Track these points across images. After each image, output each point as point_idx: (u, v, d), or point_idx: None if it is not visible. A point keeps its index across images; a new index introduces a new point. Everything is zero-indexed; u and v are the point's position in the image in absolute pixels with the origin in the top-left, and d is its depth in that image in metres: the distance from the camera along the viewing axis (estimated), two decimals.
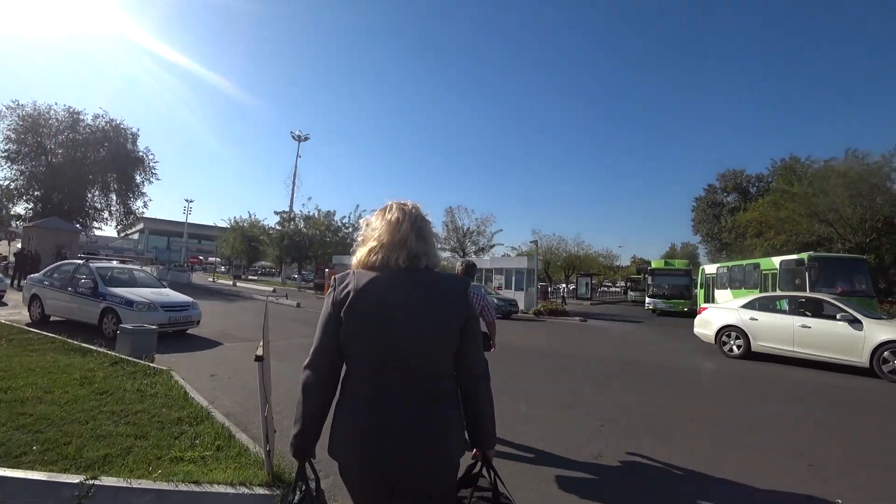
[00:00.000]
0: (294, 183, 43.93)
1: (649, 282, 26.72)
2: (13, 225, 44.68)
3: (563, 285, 49.37)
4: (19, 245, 30.79)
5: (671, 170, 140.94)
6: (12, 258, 23.71)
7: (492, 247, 36.93)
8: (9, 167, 40.41)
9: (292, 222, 40.79)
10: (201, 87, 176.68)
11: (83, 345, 7.37)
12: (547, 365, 9.41)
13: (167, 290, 10.80)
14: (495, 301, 18.07)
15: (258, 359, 3.03)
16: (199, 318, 10.39)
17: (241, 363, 7.58)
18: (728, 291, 19.09)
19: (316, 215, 40.13)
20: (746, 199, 43.85)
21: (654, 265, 28.60)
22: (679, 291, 25.65)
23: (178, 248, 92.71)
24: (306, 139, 46.93)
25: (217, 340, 9.76)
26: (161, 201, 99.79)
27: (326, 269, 31.87)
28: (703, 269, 24.50)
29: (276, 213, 42.21)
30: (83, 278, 10.13)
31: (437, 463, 1.41)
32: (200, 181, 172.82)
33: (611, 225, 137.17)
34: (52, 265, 11.70)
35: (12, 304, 13.47)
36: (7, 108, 39.66)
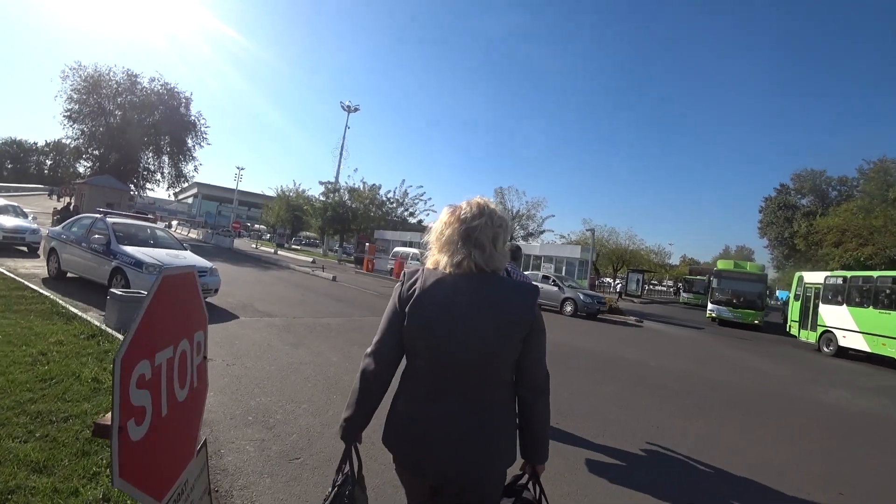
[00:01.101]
0: (341, 154, 43.10)
1: (714, 285, 22.78)
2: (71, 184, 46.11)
3: (612, 280, 46.81)
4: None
5: (731, 170, 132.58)
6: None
7: (542, 232, 34.84)
8: (70, 126, 41.48)
9: (336, 193, 39.96)
10: (253, 58, 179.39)
11: (71, 309, 6.34)
12: (626, 378, 7.75)
13: (186, 253, 9.73)
14: (581, 296, 16.76)
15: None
16: (218, 287, 9.28)
17: (248, 345, 6.32)
18: (844, 309, 14.55)
19: (361, 188, 39.12)
20: (825, 203, 40.09)
21: (720, 266, 24.41)
22: (751, 300, 21.90)
23: (229, 213, 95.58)
24: (356, 110, 45.93)
25: (234, 313, 8.61)
26: (215, 167, 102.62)
27: (367, 244, 30.90)
28: (799, 277, 18.88)
29: (320, 182, 41.47)
30: (97, 234, 9.20)
31: (482, 472, 1.39)
32: (252, 149, 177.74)
33: (661, 222, 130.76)
34: (73, 218, 10.88)
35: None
36: (70, 69, 40.40)
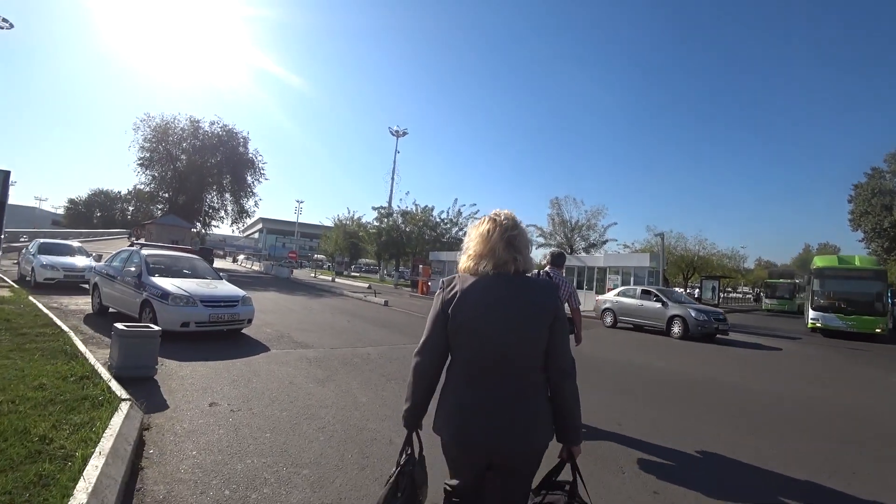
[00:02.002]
0: (393, 178, 43.13)
1: (816, 288, 18.54)
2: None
3: (683, 289, 43.44)
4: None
5: (800, 164, 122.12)
6: None
7: (604, 242, 32.66)
8: (144, 173, 44.51)
9: (390, 218, 39.83)
10: (304, 98, 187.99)
11: (78, 347, 5.75)
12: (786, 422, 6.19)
13: (219, 283, 9.17)
14: (692, 313, 13.70)
15: None
16: (251, 317, 8.56)
17: (267, 384, 5.42)
18: None
19: (414, 210, 38.76)
20: None
21: (821, 263, 19.75)
22: (867, 303, 17.49)
23: (292, 245, 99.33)
24: (404, 134, 46.04)
25: (266, 345, 7.85)
26: (278, 202, 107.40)
27: (420, 266, 30.21)
28: None
29: (373, 208, 41.57)
30: (132, 266, 8.85)
31: (525, 445, 1.57)
32: (310, 182, 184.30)
33: (730, 225, 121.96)
34: (115, 252, 10.72)
35: None
36: (141, 121, 43.56)
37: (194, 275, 9.37)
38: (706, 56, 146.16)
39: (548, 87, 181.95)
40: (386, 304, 17.28)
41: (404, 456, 1.73)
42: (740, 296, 65.63)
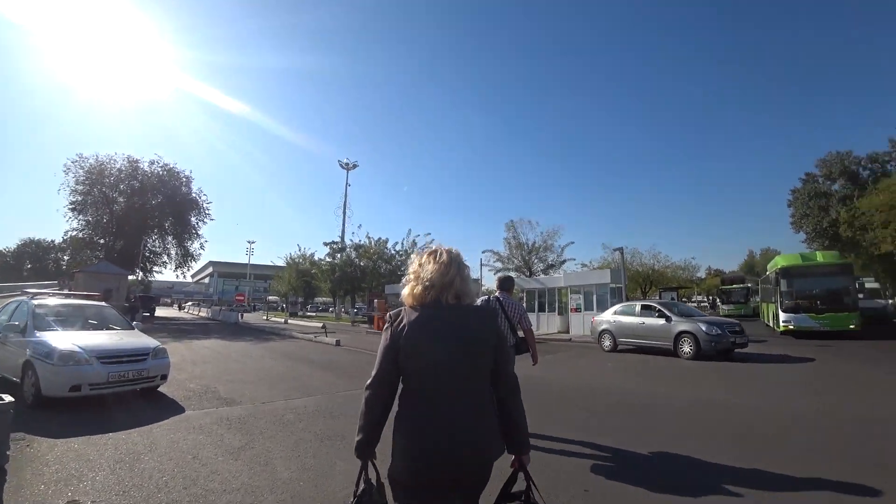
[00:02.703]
0: (344, 212, 41.89)
1: (783, 289, 17.60)
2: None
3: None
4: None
5: (738, 176, 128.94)
6: None
7: (562, 262, 32.45)
8: (76, 218, 41.42)
9: (343, 253, 38.44)
10: (247, 130, 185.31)
11: None
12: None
13: (128, 334, 7.79)
14: (703, 328, 11.72)
15: None
16: (165, 373, 7.22)
17: (160, 463, 4.22)
18: None
19: (367, 244, 37.58)
20: (857, 184, 37.83)
21: (784, 263, 18.84)
22: (838, 300, 16.81)
23: (245, 289, 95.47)
24: (355, 167, 45.12)
25: (181, 405, 6.58)
26: (229, 245, 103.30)
27: (375, 301, 29.00)
28: None
29: (325, 244, 39.87)
30: (17, 320, 7.41)
31: (484, 460, 1.68)
32: (261, 222, 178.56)
33: (679, 237, 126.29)
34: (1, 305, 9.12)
35: None
36: (72, 163, 40.64)
37: (100, 326, 7.98)
38: (646, 71, 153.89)
39: (496, 110, 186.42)
40: (338, 343, 15.96)
41: (360, 486, 1.74)
42: (695, 304, 67.37)
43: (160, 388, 7.40)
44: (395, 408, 1.72)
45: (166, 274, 51.50)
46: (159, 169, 43.31)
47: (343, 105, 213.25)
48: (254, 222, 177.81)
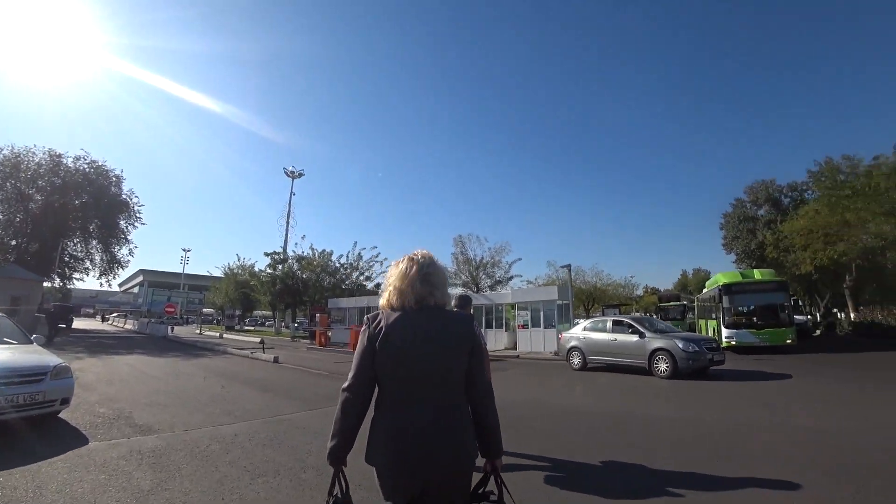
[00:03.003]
0: (288, 222, 40.35)
1: (725, 305, 18.03)
2: None
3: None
4: None
5: (669, 198, 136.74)
6: None
7: (510, 279, 32.60)
8: None
9: (285, 264, 36.86)
10: (191, 136, 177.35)
11: None
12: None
13: (24, 349, 6.73)
14: (679, 344, 11.20)
15: None
16: (68, 395, 6.24)
17: None
18: None
19: (311, 255, 36.26)
20: (779, 210, 41.20)
21: (725, 280, 19.29)
22: (775, 316, 17.56)
23: (178, 300, 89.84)
24: (300, 176, 43.82)
25: (87, 435, 5.67)
26: (163, 253, 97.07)
27: (317, 315, 27.85)
28: None
29: (266, 254, 38.06)
30: None
31: (460, 462, 1.70)
32: (200, 230, 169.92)
33: (621, 256, 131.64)
34: None
35: None
36: None
37: None
38: (589, 94, 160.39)
39: (441, 127, 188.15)
40: (276, 360, 14.93)
41: (334, 495, 1.74)
42: None
43: (61, 415, 6.41)
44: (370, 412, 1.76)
45: (89, 282, 47.68)
46: (86, 166, 39.96)
47: (294, 110, 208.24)
48: (191, 229, 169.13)
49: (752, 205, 45.02)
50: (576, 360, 13.57)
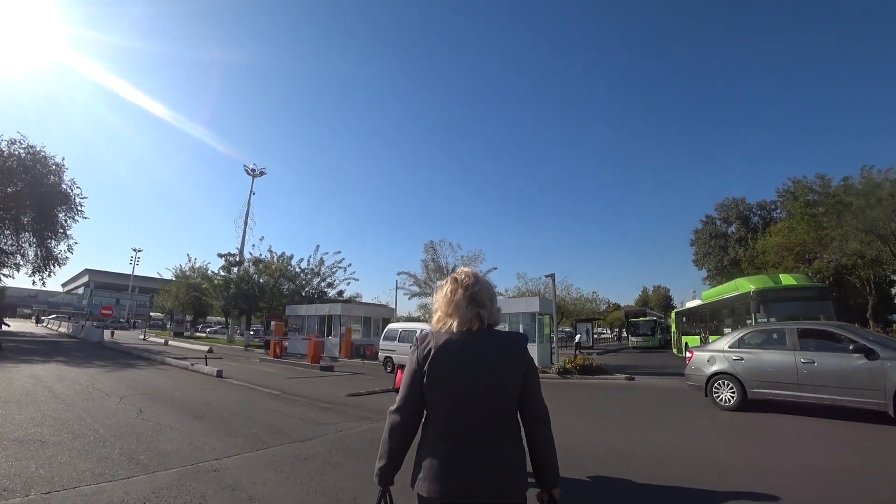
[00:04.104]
0: (246, 222, 37.63)
1: (761, 316, 15.16)
2: None
3: (558, 333, 43.84)
4: None
5: (637, 215, 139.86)
6: None
7: None
8: None
9: (240, 267, 34.12)
10: (143, 122, 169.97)
11: None
12: None
13: None
14: None
15: None
16: None
17: None
18: None
19: (269, 258, 33.68)
20: (748, 227, 41.57)
21: (756, 285, 16.37)
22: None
23: (127, 303, 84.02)
24: (262, 174, 41.26)
25: None
26: (112, 253, 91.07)
27: (273, 322, 25.49)
28: None
29: (219, 255, 35.08)
30: None
31: (512, 494, 1.57)
32: (152, 229, 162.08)
33: (581, 271, 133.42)
34: None
35: None
36: None
37: None
38: (560, 110, 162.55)
39: (413, 130, 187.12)
40: (219, 375, 12.68)
41: None
42: (603, 336, 69.47)
43: None
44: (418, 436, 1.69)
45: (20, 279, 43.29)
46: (21, 151, 36.10)
47: (256, 107, 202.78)
48: (142, 228, 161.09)
49: (723, 222, 45.53)
50: (725, 394, 8.74)
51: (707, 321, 20.75)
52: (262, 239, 61.12)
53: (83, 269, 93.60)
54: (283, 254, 33.77)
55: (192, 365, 14.52)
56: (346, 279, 33.56)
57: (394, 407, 1.68)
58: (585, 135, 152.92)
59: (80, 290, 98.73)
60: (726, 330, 16.56)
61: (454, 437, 1.58)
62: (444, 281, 1.79)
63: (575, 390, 12.34)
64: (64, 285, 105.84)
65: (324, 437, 6.33)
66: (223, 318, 44.67)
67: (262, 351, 24.55)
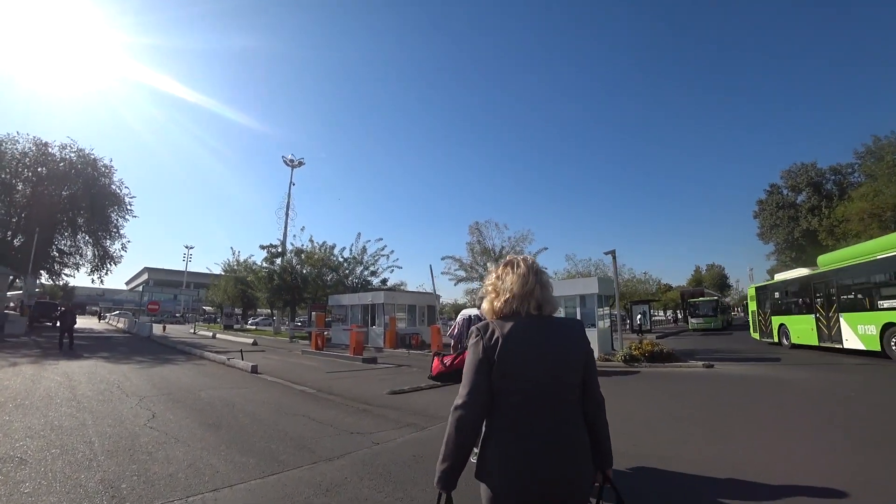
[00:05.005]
0: (287, 213, 37.37)
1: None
2: None
3: (614, 315, 41.61)
4: None
5: (682, 194, 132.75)
6: None
7: None
8: None
9: (283, 258, 33.81)
10: (191, 128, 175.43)
11: None
12: None
13: None
14: None
15: None
16: None
17: None
18: None
19: (311, 248, 33.11)
20: (821, 195, 37.63)
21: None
22: None
23: (183, 298, 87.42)
24: (300, 165, 40.85)
25: None
26: (168, 250, 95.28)
27: (314, 313, 24.80)
28: None
29: (261, 247, 34.95)
30: None
31: (584, 478, 1.55)
32: (205, 227, 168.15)
33: (630, 253, 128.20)
34: None
35: None
36: None
37: None
38: (599, 90, 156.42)
39: (456, 113, 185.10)
40: (253, 370, 11.83)
41: None
42: (657, 319, 66.12)
43: None
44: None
45: (85, 279, 45.01)
46: (72, 155, 37.27)
47: (297, 98, 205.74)
48: (195, 226, 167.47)
49: (791, 190, 41.35)
50: None
51: (828, 295, 15.81)
52: (303, 229, 61.23)
53: (143, 267, 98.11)
54: (325, 243, 33.16)
55: (229, 360, 13.78)
56: (389, 267, 32.60)
57: (460, 402, 1.56)
58: (626, 112, 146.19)
59: (140, 288, 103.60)
60: (882, 304, 12.97)
61: (525, 428, 1.53)
62: (511, 262, 1.78)
63: (649, 382, 10.66)
64: (127, 283, 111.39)
65: (355, 453, 5.09)
66: (270, 311, 45.04)
67: (305, 342, 23.98)
